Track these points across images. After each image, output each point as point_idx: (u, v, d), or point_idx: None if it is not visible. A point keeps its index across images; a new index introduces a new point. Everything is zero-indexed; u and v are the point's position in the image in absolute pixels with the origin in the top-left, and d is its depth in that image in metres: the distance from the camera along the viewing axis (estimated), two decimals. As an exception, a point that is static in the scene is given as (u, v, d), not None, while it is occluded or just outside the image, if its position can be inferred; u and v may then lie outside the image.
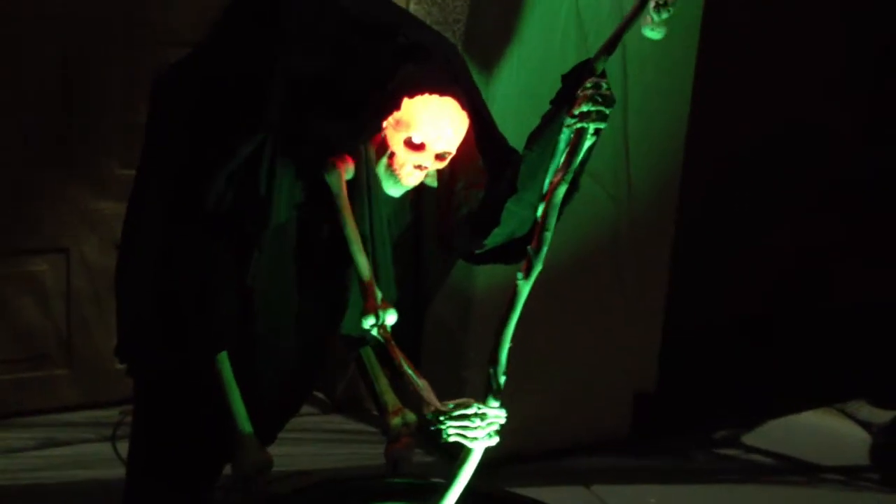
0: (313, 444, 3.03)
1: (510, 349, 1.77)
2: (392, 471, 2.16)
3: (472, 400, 1.76)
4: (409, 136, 1.86)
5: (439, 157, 1.89)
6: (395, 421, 2.20)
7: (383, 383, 2.21)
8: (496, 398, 1.76)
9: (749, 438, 3.33)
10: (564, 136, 1.77)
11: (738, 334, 3.33)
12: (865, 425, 3.30)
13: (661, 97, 3.04)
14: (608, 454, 3.08)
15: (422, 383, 1.81)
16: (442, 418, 1.74)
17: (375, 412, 3.26)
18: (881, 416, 3.25)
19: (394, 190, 1.92)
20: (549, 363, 3.02)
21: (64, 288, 3.15)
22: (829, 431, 3.41)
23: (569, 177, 1.74)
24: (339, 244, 1.94)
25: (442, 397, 3.27)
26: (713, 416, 3.35)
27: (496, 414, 1.76)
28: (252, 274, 1.93)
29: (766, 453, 3.24)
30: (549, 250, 1.88)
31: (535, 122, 1.89)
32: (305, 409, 3.34)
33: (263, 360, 2.04)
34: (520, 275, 1.75)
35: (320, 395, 3.54)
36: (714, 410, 3.34)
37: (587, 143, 1.74)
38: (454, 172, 1.96)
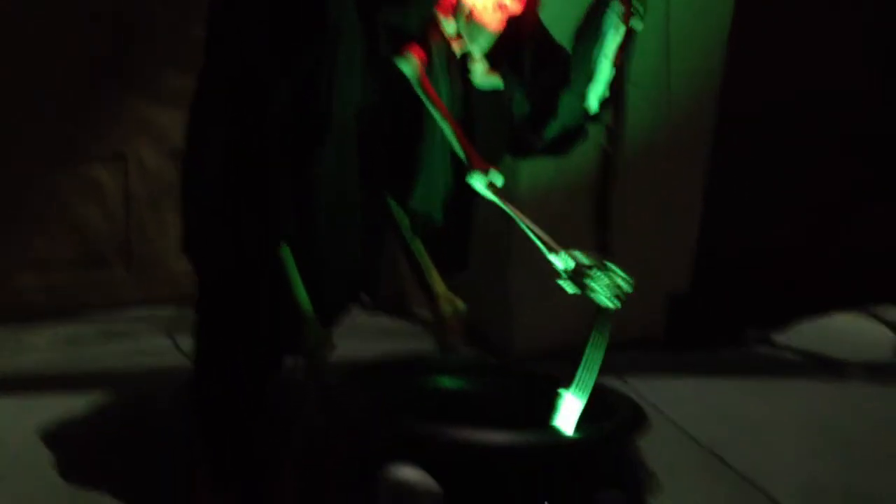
0: (358, 339, 3.11)
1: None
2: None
3: (605, 261, 1.83)
4: None
5: None
6: (447, 308, 2.32)
7: (434, 273, 2.33)
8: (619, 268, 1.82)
9: (779, 338, 3.44)
10: (609, 25, 1.88)
11: (773, 240, 3.38)
12: (893, 327, 3.38)
13: (703, 3, 3.09)
14: (642, 351, 3.19)
15: (539, 232, 1.89)
16: (581, 268, 1.81)
17: (416, 310, 3.41)
18: (909, 318, 3.34)
19: (482, 40, 2.01)
20: (586, 262, 3.11)
21: (122, 193, 3.29)
22: (857, 332, 3.50)
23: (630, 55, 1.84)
24: (404, 132, 2.05)
25: (484, 298, 3.37)
26: (745, 318, 3.44)
27: (625, 280, 1.83)
28: (315, 171, 2.04)
29: (796, 351, 3.35)
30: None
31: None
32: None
33: (326, 252, 2.15)
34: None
35: (363, 294, 3.67)
36: (746, 312, 3.42)
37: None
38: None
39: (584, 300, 3.07)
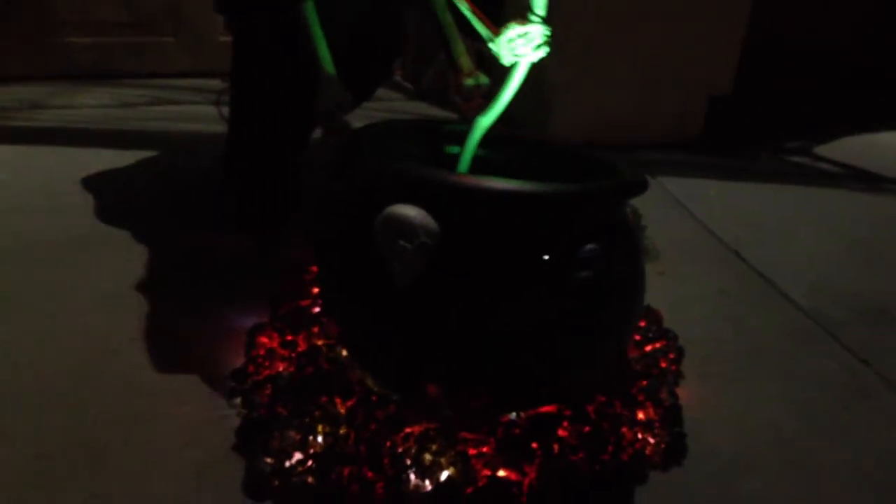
0: (399, 123, 3.17)
1: None
2: (464, 129, 2.31)
3: (511, 22, 1.78)
4: None
5: None
6: (469, 82, 2.31)
7: (459, 46, 2.31)
8: (535, 16, 1.72)
9: (821, 150, 3.38)
10: None
11: (826, 46, 3.26)
12: (944, 148, 3.29)
13: None
14: (678, 151, 3.18)
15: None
16: (493, 45, 1.78)
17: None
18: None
19: None
20: (628, 58, 3.07)
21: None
22: (904, 150, 3.43)
23: None
24: None
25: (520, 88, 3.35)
26: (788, 128, 3.37)
27: (538, 29, 1.79)
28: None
29: (835, 163, 3.30)
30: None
31: None
32: (391, 94, 3.51)
33: (345, 13, 2.16)
34: None
35: (407, 83, 3.70)
36: (789, 120, 3.36)
37: None
38: None
39: (623, 97, 3.07)
